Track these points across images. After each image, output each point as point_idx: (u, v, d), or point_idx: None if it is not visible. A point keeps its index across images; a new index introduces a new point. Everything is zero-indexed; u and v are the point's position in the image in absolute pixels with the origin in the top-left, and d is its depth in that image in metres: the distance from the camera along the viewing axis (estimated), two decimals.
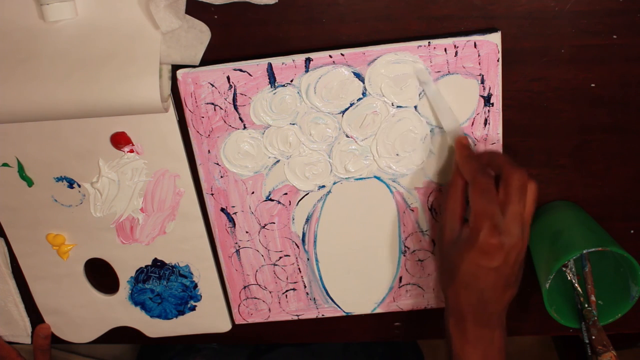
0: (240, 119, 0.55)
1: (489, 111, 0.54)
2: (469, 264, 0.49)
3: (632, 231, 0.61)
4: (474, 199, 0.49)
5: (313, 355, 0.79)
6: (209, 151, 0.57)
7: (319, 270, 0.62)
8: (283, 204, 0.59)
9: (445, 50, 0.52)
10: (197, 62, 0.53)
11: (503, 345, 0.52)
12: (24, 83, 0.51)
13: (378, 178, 0.57)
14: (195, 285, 0.64)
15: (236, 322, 0.66)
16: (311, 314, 0.65)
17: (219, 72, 0.53)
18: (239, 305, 0.65)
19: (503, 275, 0.50)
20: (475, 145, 0.55)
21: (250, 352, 0.81)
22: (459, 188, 0.52)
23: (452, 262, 0.51)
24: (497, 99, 0.54)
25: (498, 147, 0.56)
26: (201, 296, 0.64)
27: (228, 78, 0.53)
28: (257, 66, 0.53)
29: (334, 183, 0.58)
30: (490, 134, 0.55)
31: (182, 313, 0.65)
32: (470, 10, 0.51)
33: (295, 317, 0.65)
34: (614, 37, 0.52)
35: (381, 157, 0.56)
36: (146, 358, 0.87)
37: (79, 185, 0.59)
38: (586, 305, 0.57)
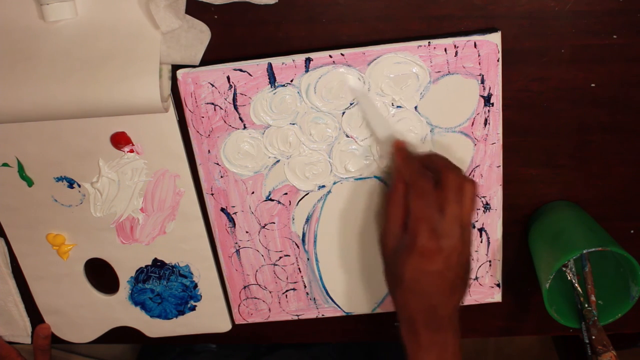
0: (240, 119, 0.55)
1: (489, 111, 0.54)
2: (411, 269, 0.49)
3: (632, 231, 0.61)
4: (413, 202, 0.49)
5: (312, 357, 0.79)
6: (209, 151, 0.57)
7: (319, 270, 0.62)
8: (283, 204, 0.59)
9: (445, 50, 0.52)
10: (197, 62, 0.53)
11: (457, 349, 0.52)
12: (24, 83, 0.51)
13: (378, 178, 0.57)
14: (195, 285, 0.64)
15: (236, 322, 0.66)
16: (311, 314, 0.65)
17: (219, 72, 0.53)
18: (239, 305, 0.65)
19: (447, 279, 0.49)
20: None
21: (249, 354, 0.81)
22: (400, 192, 0.51)
23: (396, 269, 0.50)
24: (497, 99, 0.54)
25: (498, 147, 0.56)
26: (201, 296, 0.64)
27: (228, 78, 0.53)
28: (257, 66, 0.53)
29: (334, 183, 0.58)
30: (490, 134, 0.55)
31: (182, 313, 0.65)
32: (470, 10, 0.51)
33: (295, 317, 0.65)
34: (614, 37, 0.52)
35: (381, 157, 0.56)
36: None
37: (79, 185, 0.59)
38: (586, 305, 0.57)
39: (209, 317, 0.65)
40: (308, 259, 0.62)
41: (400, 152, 0.53)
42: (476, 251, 0.61)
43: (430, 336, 0.51)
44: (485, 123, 0.55)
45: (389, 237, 0.51)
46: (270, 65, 0.53)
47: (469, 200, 0.49)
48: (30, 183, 0.59)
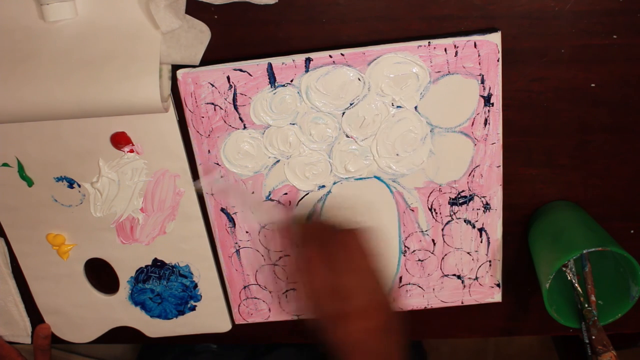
0: (240, 119, 0.55)
1: (489, 111, 0.54)
2: (343, 337, 0.47)
3: (632, 231, 0.61)
4: (310, 276, 0.49)
5: (310, 357, 0.79)
6: (209, 151, 0.57)
7: None
8: (283, 204, 0.59)
9: (445, 50, 0.52)
10: (197, 62, 0.53)
11: None
12: (24, 83, 0.51)
13: (378, 178, 0.57)
14: (195, 285, 0.64)
15: (236, 322, 0.66)
16: (311, 314, 0.65)
17: (219, 72, 0.53)
18: (239, 305, 0.65)
19: (380, 330, 0.48)
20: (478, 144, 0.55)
21: (248, 354, 0.81)
22: (309, 262, 0.50)
23: (336, 336, 0.48)
24: (497, 99, 0.54)
25: (498, 147, 0.56)
26: (201, 296, 0.64)
27: (228, 78, 0.53)
28: (257, 66, 0.53)
29: (334, 183, 0.58)
30: (490, 134, 0.55)
31: (182, 313, 0.65)
32: (470, 10, 0.51)
33: (295, 317, 0.65)
34: (614, 37, 0.52)
35: (381, 157, 0.56)
36: None
37: (79, 185, 0.59)
38: (586, 305, 0.57)
39: (209, 317, 0.65)
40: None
41: (280, 225, 0.54)
42: (476, 251, 0.61)
43: None
44: (485, 123, 0.55)
45: (319, 305, 0.50)
46: (270, 65, 0.53)
47: (352, 248, 0.50)
48: (30, 183, 0.59)
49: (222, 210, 0.59)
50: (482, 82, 0.53)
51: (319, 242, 0.50)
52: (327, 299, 0.48)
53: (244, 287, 0.63)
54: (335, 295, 0.47)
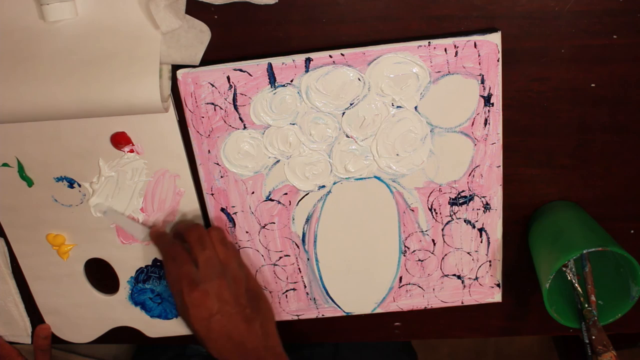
0: (240, 119, 0.55)
1: (489, 111, 0.54)
2: (198, 323, 0.52)
3: (632, 231, 0.61)
4: (169, 268, 0.54)
5: (306, 359, 0.79)
6: (209, 151, 0.57)
7: (319, 270, 0.62)
8: (283, 204, 0.59)
9: (446, 50, 0.52)
10: (197, 62, 0.53)
11: None
12: (24, 83, 0.51)
13: (378, 178, 0.57)
14: None
15: None
16: (311, 314, 0.65)
17: (219, 72, 0.53)
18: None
19: (232, 314, 0.52)
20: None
21: None
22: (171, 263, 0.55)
23: (191, 328, 0.54)
24: (497, 99, 0.54)
25: (498, 147, 0.56)
26: None
27: (228, 78, 0.53)
28: (257, 66, 0.53)
29: (334, 183, 0.58)
30: (490, 134, 0.55)
31: None
32: (470, 10, 0.51)
33: (295, 317, 0.65)
34: (614, 37, 0.52)
35: (381, 157, 0.56)
36: None
37: (79, 185, 0.59)
38: (586, 305, 0.57)
39: None
40: (308, 259, 0.62)
41: (155, 234, 0.59)
42: (476, 251, 0.61)
43: None
44: (485, 123, 0.55)
45: (177, 303, 0.55)
46: (270, 65, 0.53)
47: (218, 243, 0.55)
48: (30, 183, 0.59)
49: (222, 210, 0.59)
50: (482, 82, 0.53)
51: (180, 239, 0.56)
52: (180, 286, 0.53)
53: None
54: (189, 282, 0.52)
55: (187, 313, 0.53)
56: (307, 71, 0.53)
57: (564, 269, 0.58)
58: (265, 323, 0.55)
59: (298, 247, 0.61)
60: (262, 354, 0.54)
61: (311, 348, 0.80)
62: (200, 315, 0.52)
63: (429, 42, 0.52)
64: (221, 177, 0.58)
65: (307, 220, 0.60)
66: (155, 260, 0.63)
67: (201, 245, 0.54)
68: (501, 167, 0.57)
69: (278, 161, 0.57)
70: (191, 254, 0.54)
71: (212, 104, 0.54)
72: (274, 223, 0.60)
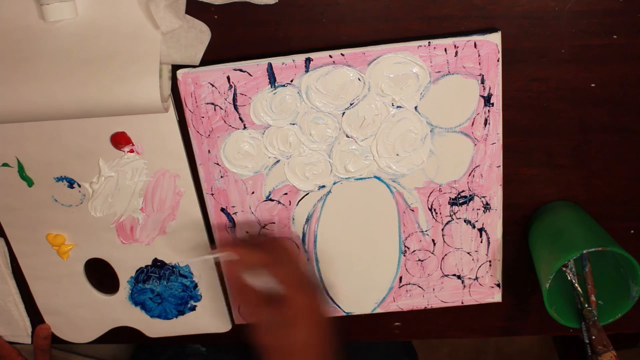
0: (240, 119, 0.55)
1: (489, 111, 0.54)
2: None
3: (632, 231, 0.61)
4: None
5: None
6: (209, 151, 0.57)
7: (319, 270, 0.62)
8: (283, 204, 0.59)
9: (446, 50, 0.52)
10: (197, 62, 0.53)
11: None
12: (24, 83, 0.51)
13: (378, 178, 0.57)
14: (196, 285, 0.64)
15: (236, 322, 0.66)
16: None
17: (219, 72, 0.53)
18: (239, 306, 0.65)
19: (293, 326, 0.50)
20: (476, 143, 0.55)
21: (239, 358, 0.81)
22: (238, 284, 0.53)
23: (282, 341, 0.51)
24: (497, 99, 0.54)
25: (498, 147, 0.56)
26: (201, 296, 0.64)
27: (228, 78, 0.53)
28: (257, 66, 0.53)
29: (334, 183, 0.58)
30: (490, 134, 0.55)
31: (182, 313, 0.65)
32: (470, 10, 0.51)
33: None
34: (614, 37, 0.52)
35: (381, 157, 0.56)
36: None
37: (79, 185, 0.59)
38: (586, 305, 0.57)
39: (209, 317, 0.65)
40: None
41: (232, 244, 0.57)
42: (476, 251, 0.61)
43: None
44: (485, 123, 0.55)
45: (258, 317, 0.52)
46: (270, 65, 0.53)
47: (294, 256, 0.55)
48: (30, 183, 0.59)
49: (222, 210, 0.59)
50: (482, 82, 0.53)
51: (260, 252, 0.53)
52: (265, 308, 0.50)
53: None
54: (274, 303, 0.50)
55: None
56: (307, 71, 0.53)
57: (564, 269, 0.58)
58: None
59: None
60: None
61: None
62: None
63: (429, 42, 0.52)
64: (221, 177, 0.58)
65: (307, 221, 0.60)
66: (155, 260, 0.63)
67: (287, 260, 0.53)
68: (501, 167, 0.57)
69: (278, 161, 0.57)
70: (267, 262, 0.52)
71: (212, 104, 0.54)
72: (274, 223, 0.60)
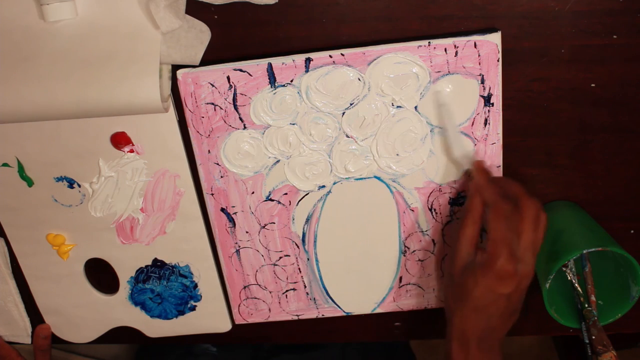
0: (240, 119, 0.55)
1: (489, 111, 0.54)
2: (483, 289, 0.49)
3: (632, 231, 0.61)
4: (495, 224, 0.49)
5: None
6: (209, 151, 0.57)
7: (319, 270, 0.62)
8: (283, 204, 0.59)
9: (445, 50, 0.52)
10: (197, 62, 0.53)
11: None
12: (24, 83, 0.51)
13: (378, 178, 0.57)
14: (195, 285, 0.64)
15: (236, 322, 0.66)
16: (311, 314, 0.65)
17: (219, 72, 0.53)
18: (239, 305, 0.65)
19: (512, 302, 0.50)
20: (476, 146, 0.55)
21: (249, 357, 0.81)
22: (477, 212, 0.52)
23: (464, 287, 0.51)
24: (497, 99, 0.54)
25: (498, 147, 0.56)
26: (201, 296, 0.64)
27: (228, 78, 0.53)
28: (257, 66, 0.53)
29: (334, 183, 0.58)
30: (490, 134, 0.55)
31: (182, 313, 0.65)
32: (470, 10, 0.51)
33: (295, 317, 0.65)
34: (614, 37, 0.52)
35: (381, 157, 0.56)
36: None
37: (79, 185, 0.59)
38: (586, 305, 0.57)
39: (209, 317, 0.65)
40: (308, 259, 0.62)
41: (482, 173, 0.53)
42: None
43: (481, 357, 0.52)
44: (485, 123, 0.55)
45: (461, 254, 0.52)
46: (270, 65, 0.53)
47: (542, 229, 0.50)
48: (30, 183, 0.59)
49: (222, 210, 0.59)
50: (482, 82, 0.53)
51: (514, 203, 0.50)
52: (499, 251, 0.48)
53: (244, 287, 0.63)
54: (509, 253, 0.48)
55: (478, 273, 0.49)
56: (307, 71, 0.53)
57: (564, 269, 0.58)
58: (514, 322, 0.54)
59: (298, 247, 0.61)
60: (496, 347, 0.53)
61: (317, 349, 0.80)
62: (492, 287, 0.49)
63: (429, 42, 0.51)
64: (221, 177, 0.58)
65: (307, 220, 0.60)
66: (155, 260, 0.63)
67: (534, 225, 0.49)
68: (501, 167, 0.57)
69: (278, 161, 0.57)
70: (516, 222, 0.49)
71: (212, 104, 0.54)
72: (274, 223, 0.60)
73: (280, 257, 0.62)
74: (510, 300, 0.50)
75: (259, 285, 0.63)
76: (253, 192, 0.58)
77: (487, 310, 0.50)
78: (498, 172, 0.57)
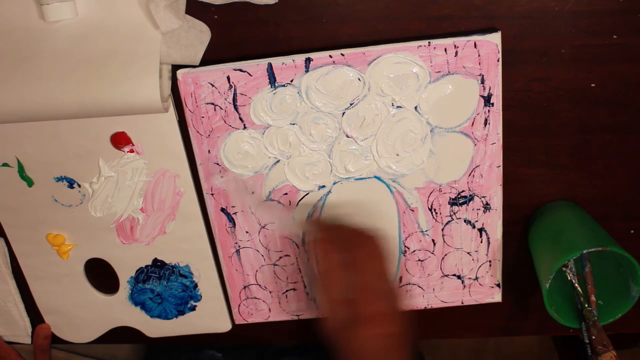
0: (240, 119, 0.55)
1: (489, 111, 0.54)
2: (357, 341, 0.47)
3: (632, 231, 0.61)
4: (328, 281, 0.48)
5: None
6: (209, 151, 0.57)
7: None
8: (283, 204, 0.59)
9: (445, 50, 0.52)
10: (197, 62, 0.53)
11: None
12: (24, 83, 0.51)
13: (378, 178, 0.57)
14: (196, 285, 0.64)
15: (236, 322, 0.66)
16: (311, 314, 0.65)
17: (219, 72, 0.53)
18: (239, 305, 0.65)
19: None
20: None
21: None
22: (335, 265, 0.49)
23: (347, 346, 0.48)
24: (497, 99, 0.54)
25: (498, 147, 0.56)
26: (201, 296, 0.64)
27: (228, 78, 0.53)
28: (257, 66, 0.53)
29: (334, 183, 0.58)
30: (490, 134, 0.55)
31: (182, 313, 0.65)
32: (470, 10, 0.51)
33: (295, 317, 0.65)
34: (614, 37, 0.52)
35: (381, 157, 0.56)
36: None
37: (79, 185, 0.59)
38: (586, 305, 0.57)
39: (209, 317, 0.65)
40: (308, 259, 0.62)
41: (314, 230, 0.52)
42: (476, 251, 0.61)
43: None
44: (485, 123, 0.55)
45: (333, 311, 0.49)
46: (270, 65, 0.53)
47: (379, 258, 0.49)
48: (30, 183, 0.59)
49: (222, 210, 0.59)
50: (482, 82, 0.53)
51: (338, 245, 0.49)
52: (343, 303, 0.47)
53: (244, 287, 0.63)
54: (351, 300, 0.47)
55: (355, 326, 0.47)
56: (307, 71, 0.53)
57: (564, 269, 0.58)
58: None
59: (298, 247, 0.61)
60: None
61: (319, 350, 0.80)
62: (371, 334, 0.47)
63: (429, 42, 0.52)
64: (221, 177, 0.58)
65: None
66: (155, 260, 0.63)
67: (371, 256, 0.49)
68: (501, 167, 0.57)
69: (278, 161, 0.57)
70: (347, 260, 0.48)
71: (212, 104, 0.54)
72: (274, 223, 0.60)
73: (280, 257, 0.62)
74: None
75: (259, 285, 0.63)
76: (253, 192, 0.58)
77: (375, 344, 0.47)
78: (498, 172, 0.57)
